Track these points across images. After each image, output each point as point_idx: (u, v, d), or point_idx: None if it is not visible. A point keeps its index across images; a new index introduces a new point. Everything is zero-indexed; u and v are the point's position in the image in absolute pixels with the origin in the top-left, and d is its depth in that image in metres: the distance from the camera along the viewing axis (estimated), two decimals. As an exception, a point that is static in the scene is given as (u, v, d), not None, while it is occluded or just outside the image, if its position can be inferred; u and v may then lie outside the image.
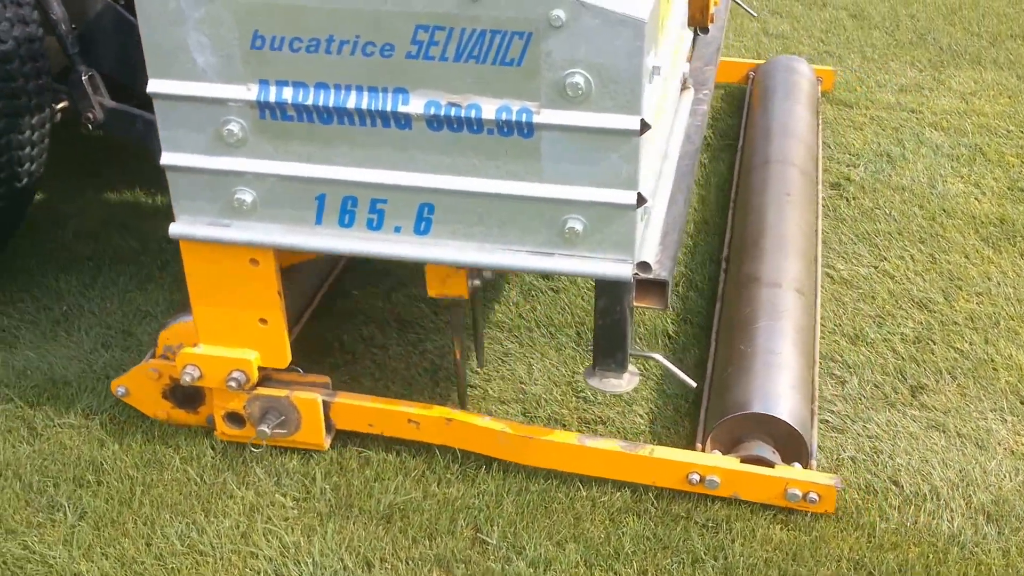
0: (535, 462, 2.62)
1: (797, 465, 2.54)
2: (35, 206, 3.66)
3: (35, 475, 2.66)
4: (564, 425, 2.79)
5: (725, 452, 2.58)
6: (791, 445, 2.56)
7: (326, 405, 2.65)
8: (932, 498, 2.57)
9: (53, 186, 3.79)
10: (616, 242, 2.24)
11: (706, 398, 2.78)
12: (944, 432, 2.77)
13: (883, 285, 3.32)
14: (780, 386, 2.64)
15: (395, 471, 2.64)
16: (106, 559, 2.45)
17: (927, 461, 2.68)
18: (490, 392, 2.90)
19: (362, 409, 2.65)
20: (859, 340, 3.08)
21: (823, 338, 3.08)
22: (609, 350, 2.40)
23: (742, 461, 2.52)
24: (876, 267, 3.40)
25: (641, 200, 2.19)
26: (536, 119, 2.13)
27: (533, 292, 3.27)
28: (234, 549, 2.47)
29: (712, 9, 3.30)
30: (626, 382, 2.44)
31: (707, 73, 3.18)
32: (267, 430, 2.63)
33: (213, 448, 2.71)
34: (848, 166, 3.98)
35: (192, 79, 2.22)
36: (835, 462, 2.67)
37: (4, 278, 3.36)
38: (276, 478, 2.64)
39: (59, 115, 3.12)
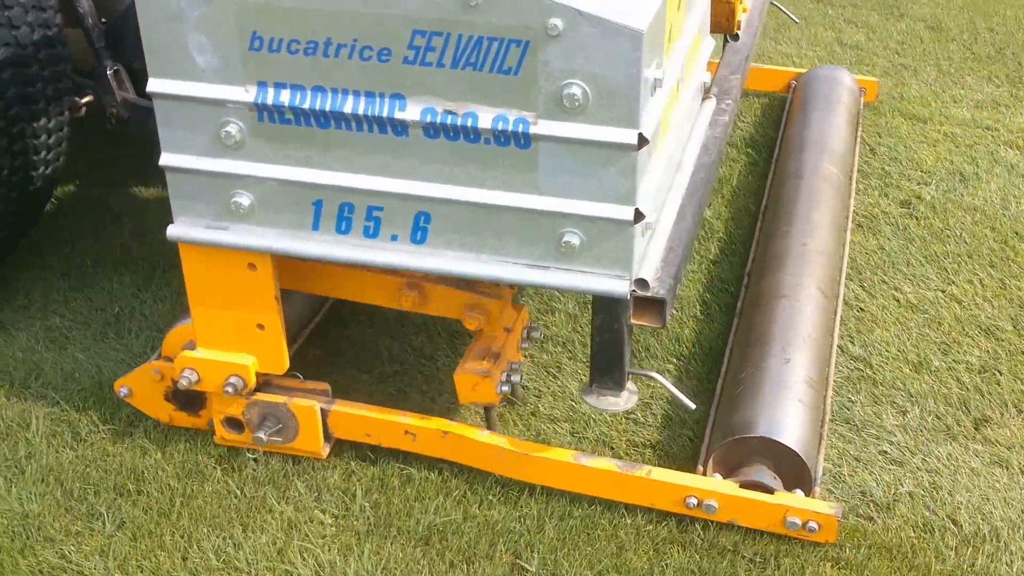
0: (531, 479, 2.56)
1: (799, 492, 2.46)
2: (96, 203, 3.73)
3: (77, 482, 2.64)
4: (612, 448, 2.72)
5: (727, 475, 2.50)
6: (795, 471, 2.48)
7: (324, 413, 2.62)
8: (992, 539, 2.46)
9: (114, 182, 3.82)
10: (613, 258, 2.19)
11: (712, 418, 2.70)
12: (1007, 468, 2.65)
13: (950, 310, 3.20)
14: (787, 409, 2.56)
15: (436, 490, 2.58)
16: (141, 572, 2.42)
17: (988, 499, 2.56)
18: (540, 409, 2.84)
19: (359, 418, 2.62)
20: (923, 368, 2.97)
21: (885, 364, 2.99)
22: (606, 367, 2.35)
23: (741, 486, 2.44)
24: (944, 291, 3.29)
25: (639, 216, 2.13)
26: (533, 130, 2.09)
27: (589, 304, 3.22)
28: (269, 566, 2.42)
29: (740, 16, 3.24)
30: (624, 400, 2.38)
31: (732, 82, 3.11)
32: (263, 437, 2.61)
33: (256, 460, 2.67)
34: (919, 184, 3.85)
35: (192, 79, 2.21)
36: (893, 497, 2.57)
37: (59, 276, 3.36)
38: (316, 493, 2.59)
39: (83, 110, 3.15)
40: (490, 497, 2.56)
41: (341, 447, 2.68)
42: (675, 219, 2.44)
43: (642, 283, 2.21)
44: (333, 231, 2.31)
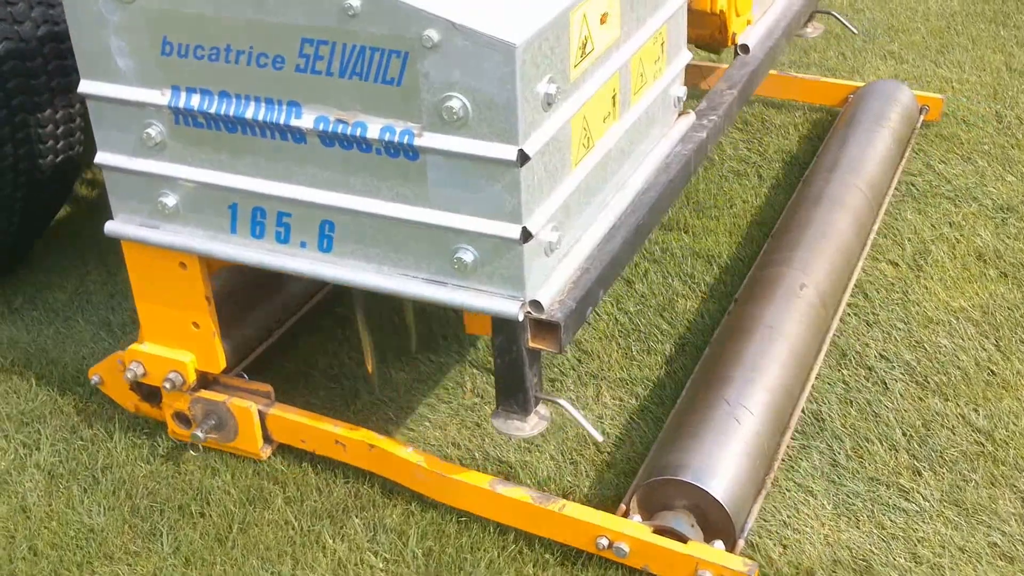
0: (448, 501, 2.52)
1: (719, 544, 2.31)
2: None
3: (145, 498, 2.66)
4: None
5: (648, 517, 2.38)
6: (721, 523, 2.33)
7: (262, 415, 2.65)
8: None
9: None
10: (506, 277, 2.12)
11: (651, 453, 2.57)
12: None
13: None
14: (728, 453, 2.42)
15: (492, 543, 2.47)
16: None
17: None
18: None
19: (294, 423, 2.63)
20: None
21: (1010, 440, 2.67)
22: (509, 391, 2.27)
23: (655, 531, 2.31)
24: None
25: (527, 235, 2.06)
26: (417, 142, 2.05)
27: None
28: None
29: (736, 29, 3.08)
30: (530, 426, 2.30)
31: (726, 97, 2.96)
32: (200, 435, 2.66)
33: (318, 489, 2.63)
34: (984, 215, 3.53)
35: (115, 81, 2.27)
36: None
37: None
38: (372, 533, 2.52)
39: None
40: (547, 556, 2.43)
41: (401, 490, 2.61)
42: (602, 240, 2.35)
43: (536, 305, 2.14)
44: (249, 235, 2.33)
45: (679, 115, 2.78)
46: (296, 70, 2.09)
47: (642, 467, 2.53)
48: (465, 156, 2.03)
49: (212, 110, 2.20)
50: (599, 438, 2.33)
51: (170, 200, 2.36)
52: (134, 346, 2.66)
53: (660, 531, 2.31)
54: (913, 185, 3.73)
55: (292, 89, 2.12)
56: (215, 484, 2.68)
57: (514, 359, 2.22)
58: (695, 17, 2.93)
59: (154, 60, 2.21)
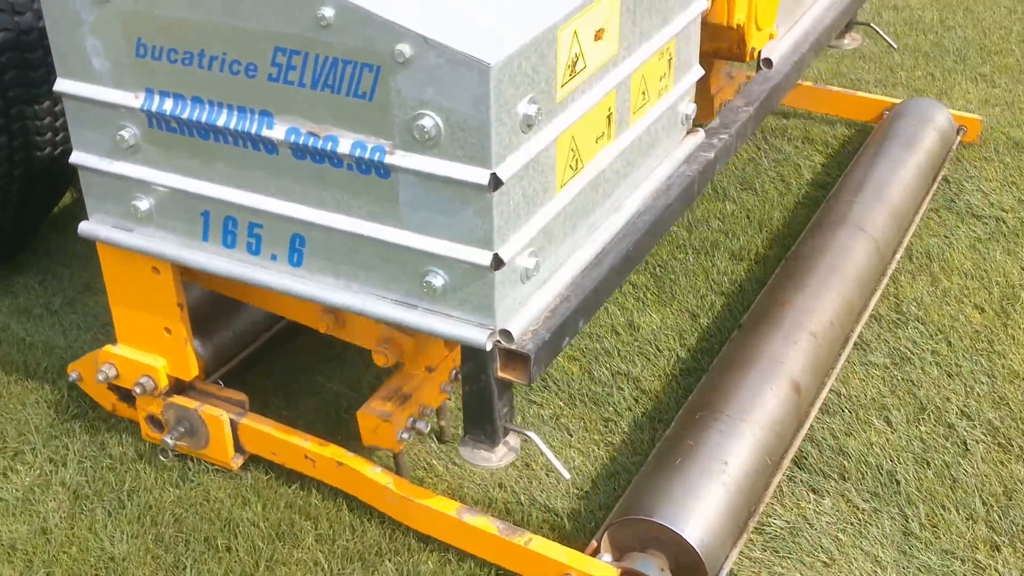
0: (415, 526, 2.44)
1: (690, 589, 2.22)
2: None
3: (171, 527, 2.53)
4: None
5: (619, 557, 2.29)
6: (695, 566, 2.24)
7: (234, 424, 2.59)
8: None
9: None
10: (476, 304, 2.03)
11: (628, 489, 2.48)
12: None
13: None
14: (707, 496, 2.31)
15: None
16: None
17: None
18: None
19: (265, 435, 2.57)
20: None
21: None
22: (476, 419, 2.19)
23: (622, 573, 2.22)
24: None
25: (498, 263, 1.97)
26: (389, 159, 1.97)
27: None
28: None
29: (756, 44, 2.95)
30: (497, 457, 2.21)
31: (740, 115, 2.85)
32: (169, 441, 2.60)
33: (352, 528, 2.50)
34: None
35: (91, 82, 2.21)
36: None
37: None
38: None
39: None
40: None
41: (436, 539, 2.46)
42: (588, 265, 2.26)
43: (507, 335, 2.05)
44: (220, 244, 2.26)
45: (687, 133, 2.68)
46: (269, 79, 2.02)
47: (618, 504, 2.44)
48: (436, 177, 1.94)
49: (185, 115, 2.13)
50: (567, 476, 2.24)
51: (143, 204, 2.30)
52: (108, 347, 2.60)
53: (627, 573, 2.22)
54: (1003, 222, 3.51)
55: (264, 98, 2.04)
56: (244, 516, 2.54)
57: (483, 388, 2.13)
58: (712, 30, 2.83)
59: (128, 62, 2.15)
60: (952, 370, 2.92)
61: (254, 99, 2.05)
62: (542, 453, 2.24)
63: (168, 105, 2.15)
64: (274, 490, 2.61)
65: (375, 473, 2.45)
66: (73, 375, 2.82)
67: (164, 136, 2.20)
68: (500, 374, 2.10)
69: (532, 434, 2.21)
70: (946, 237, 3.45)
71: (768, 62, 3.06)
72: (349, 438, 2.57)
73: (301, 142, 2.03)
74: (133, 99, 2.18)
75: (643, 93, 2.38)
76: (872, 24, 4.03)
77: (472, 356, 2.11)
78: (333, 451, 2.49)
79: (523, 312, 2.09)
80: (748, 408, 2.53)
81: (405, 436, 2.42)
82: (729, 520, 2.32)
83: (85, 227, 2.41)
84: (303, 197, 2.11)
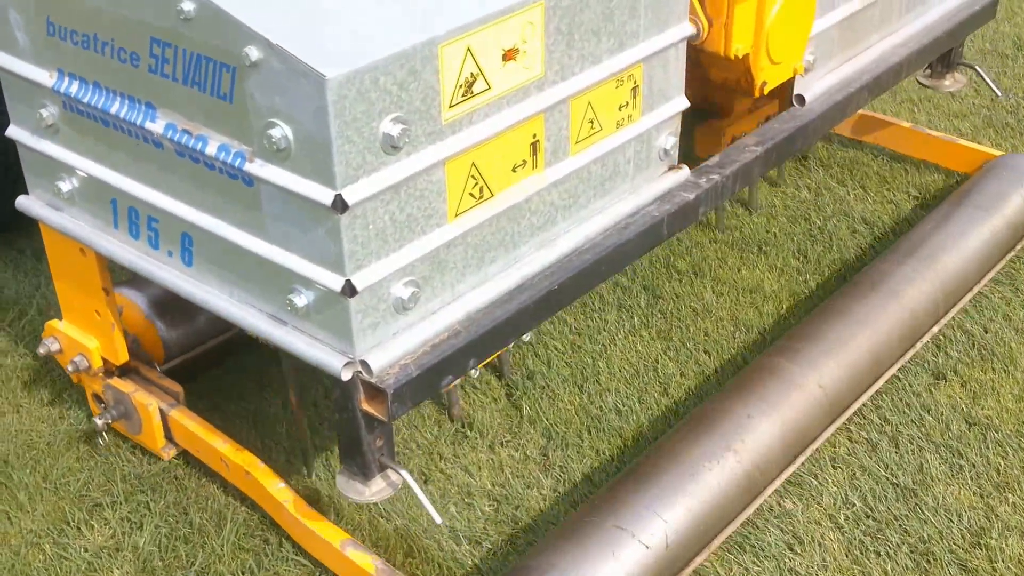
0: (305, 547, 2.32)
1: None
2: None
3: None
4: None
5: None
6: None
7: (164, 414, 2.54)
8: None
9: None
10: (336, 330, 1.88)
11: (535, 546, 2.26)
12: None
13: None
14: (611, 568, 2.09)
15: None
16: None
17: None
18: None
19: (188, 432, 2.50)
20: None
21: None
22: (348, 450, 2.04)
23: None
24: None
25: (351, 290, 1.81)
26: (248, 167, 1.84)
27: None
28: None
29: (767, 80, 2.60)
30: (371, 491, 2.05)
31: (745, 155, 2.56)
32: (99, 422, 2.58)
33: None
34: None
35: (17, 56, 2.18)
36: None
37: None
38: None
39: None
40: None
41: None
42: (494, 303, 2.06)
43: (366, 366, 1.89)
44: (127, 234, 2.20)
45: (669, 169, 2.41)
46: (149, 70, 1.92)
47: (516, 563, 2.24)
48: (290, 192, 1.80)
49: (87, 100, 2.07)
50: (438, 520, 2.06)
51: (65, 186, 2.26)
52: (53, 322, 2.60)
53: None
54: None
55: (147, 89, 1.95)
56: None
57: (350, 419, 1.98)
58: (714, 59, 2.51)
59: (43, 40, 2.10)
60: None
61: (140, 89, 1.96)
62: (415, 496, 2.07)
63: (75, 88, 2.09)
64: None
65: (277, 488, 2.35)
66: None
67: (76, 119, 2.14)
68: (364, 407, 1.94)
69: (406, 473, 2.04)
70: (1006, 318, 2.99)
71: (801, 99, 2.72)
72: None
73: (177, 139, 1.93)
74: (48, 78, 2.14)
75: (591, 122, 2.15)
76: (977, 67, 3.55)
77: (337, 384, 1.96)
78: (245, 459, 2.41)
79: (391, 345, 1.92)
80: (686, 479, 2.26)
81: None
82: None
83: (22, 201, 2.40)
84: (188, 196, 2.02)
